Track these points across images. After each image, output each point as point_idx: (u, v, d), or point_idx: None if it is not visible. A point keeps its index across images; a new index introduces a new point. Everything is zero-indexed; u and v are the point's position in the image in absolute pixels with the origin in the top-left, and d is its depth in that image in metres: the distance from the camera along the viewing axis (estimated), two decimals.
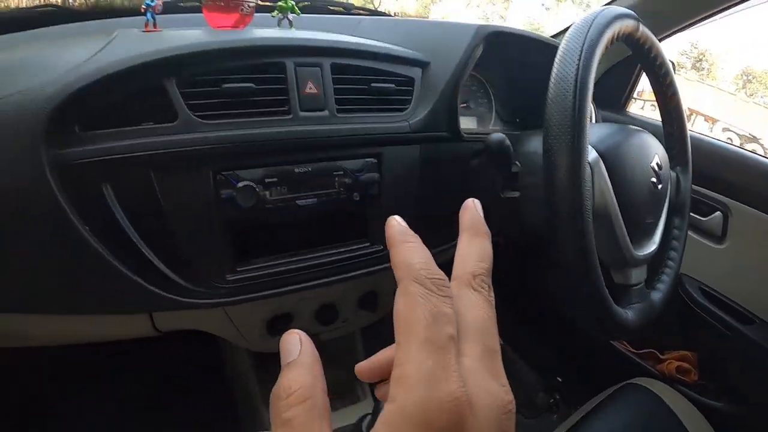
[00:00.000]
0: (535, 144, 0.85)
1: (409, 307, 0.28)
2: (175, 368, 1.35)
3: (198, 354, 1.27)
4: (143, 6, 0.84)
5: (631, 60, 1.35)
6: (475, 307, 0.30)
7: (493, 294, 0.32)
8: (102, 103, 0.64)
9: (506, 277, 1.56)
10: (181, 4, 0.99)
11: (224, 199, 0.68)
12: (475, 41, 0.87)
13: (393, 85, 0.82)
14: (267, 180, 0.71)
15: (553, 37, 1.33)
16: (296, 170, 0.73)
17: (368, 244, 0.83)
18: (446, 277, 0.30)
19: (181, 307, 0.71)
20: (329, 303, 0.93)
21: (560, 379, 1.48)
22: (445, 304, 0.28)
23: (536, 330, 1.56)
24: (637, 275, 0.83)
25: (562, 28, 1.36)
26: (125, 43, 0.70)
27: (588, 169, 0.69)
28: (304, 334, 0.30)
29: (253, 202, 0.69)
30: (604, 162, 0.77)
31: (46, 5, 1.01)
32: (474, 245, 0.34)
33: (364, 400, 1.15)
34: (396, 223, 0.34)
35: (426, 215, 0.85)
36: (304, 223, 0.77)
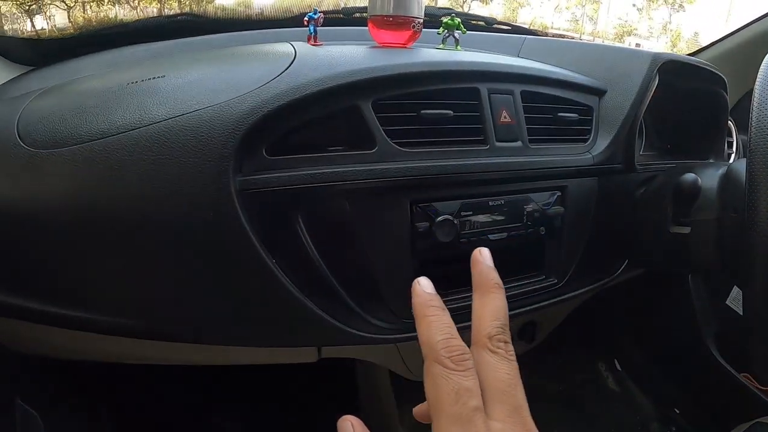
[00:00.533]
0: (708, 178, 0.75)
1: (435, 387, 0.31)
2: (309, 391, 1.29)
3: (332, 374, 1.23)
4: (306, 18, 0.79)
5: None
6: (495, 369, 0.33)
7: (511, 347, 0.35)
8: (292, 125, 0.57)
9: (636, 305, 1.52)
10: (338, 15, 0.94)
11: (420, 233, 0.61)
12: (652, 69, 0.79)
13: (576, 115, 0.74)
14: (463, 213, 0.63)
15: (692, 54, 1.26)
16: (490, 203, 0.66)
17: (543, 277, 0.75)
18: (466, 349, 0.32)
19: (363, 342, 0.64)
20: None
21: (678, 411, 1.40)
22: (466, 378, 0.31)
23: (655, 358, 1.47)
24: None
25: (701, 46, 1.29)
26: (312, 62, 0.62)
27: None
28: (357, 420, 0.35)
29: (451, 237, 0.61)
30: None
31: (181, 14, 0.96)
32: (487, 304, 0.37)
33: None
34: (421, 291, 0.37)
35: (594, 247, 0.78)
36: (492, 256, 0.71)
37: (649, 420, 1.40)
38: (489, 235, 0.66)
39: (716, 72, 0.92)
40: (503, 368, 0.33)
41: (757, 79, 0.63)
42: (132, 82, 0.63)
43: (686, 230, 0.78)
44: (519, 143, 0.68)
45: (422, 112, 0.62)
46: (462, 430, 0.30)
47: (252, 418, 1.17)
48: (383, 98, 0.61)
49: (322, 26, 0.81)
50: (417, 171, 0.60)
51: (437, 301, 0.36)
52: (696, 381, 1.34)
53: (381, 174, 0.59)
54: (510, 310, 0.71)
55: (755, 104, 0.61)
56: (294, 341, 0.66)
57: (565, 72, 0.76)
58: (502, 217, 0.67)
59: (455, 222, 0.62)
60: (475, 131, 0.66)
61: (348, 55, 0.66)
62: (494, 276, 0.39)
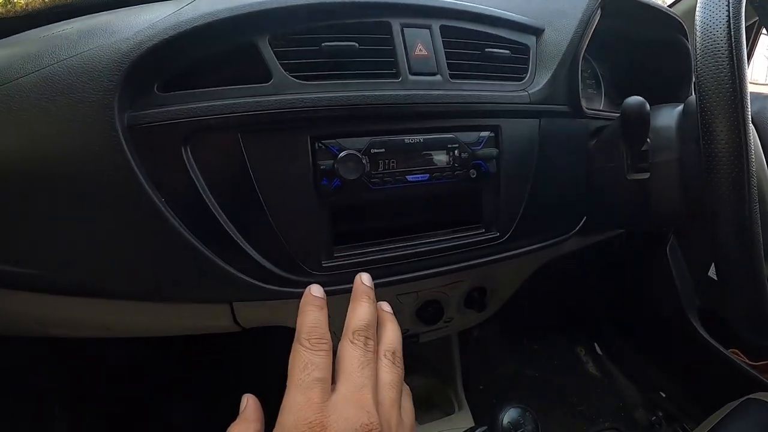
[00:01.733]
0: (665, 117, 0.69)
1: (291, 361, 0.39)
2: (254, 366, 1.22)
3: (280, 352, 1.14)
4: None
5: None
6: (350, 356, 0.40)
7: (371, 342, 0.42)
8: (185, 62, 0.52)
9: (614, 284, 1.41)
10: None
11: (323, 171, 0.54)
12: (593, 5, 0.71)
13: (508, 52, 0.67)
14: (373, 150, 0.56)
15: (670, 6, 1.16)
16: (406, 140, 0.58)
17: (483, 230, 0.66)
18: (326, 337, 0.40)
19: (268, 296, 0.56)
20: (432, 299, 0.76)
21: (663, 394, 1.28)
22: (316, 356, 0.38)
23: (637, 339, 1.36)
24: None
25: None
26: (210, 1, 0.56)
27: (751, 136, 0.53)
28: (252, 396, 0.42)
29: (357, 175, 0.54)
30: (755, 128, 0.62)
31: None
32: (356, 309, 0.46)
33: (460, 411, 0.98)
34: (312, 290, 0.45)
35: (542, 199, 0.69)
36: (410, 204, 0.62)
37: (633, 405, 1.29)
38: (408, 177, 0.58)
39: (672, 15, 0.84)
40: (357, 354, 0.40)
41: (698, 4, 0.55)
42: (43, 36, 0.59)
43: (646, 175, 0.69)
44: (438, 77, 0.61)
45: (324, 44, 0.56)
46: (302, 396, 0.36)
47: (204, 407, 1.08)
48: (282, 33, 0.55)
49: None
50: (315, 102, 0.54)
51: (321, 301, 0.44)
52: (681, 361, 1.25)
53: (274, 105, 0.53)
54: (448, 264, 0.63)
55: (698, 30, 0.54)
56: (193, 294, 0.58)
57: (494, 9, 0.68)
58: (423, 157, 0.59)
59: (363, 159, 0.54)
60: (385, 65, 0.59)
61: None
62: (366, 289, 0.48)
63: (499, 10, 0.68)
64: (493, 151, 0.63)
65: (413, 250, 0.62)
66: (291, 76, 0.54)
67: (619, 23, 0.80)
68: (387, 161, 0.57)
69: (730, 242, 0.54)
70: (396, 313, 0.73)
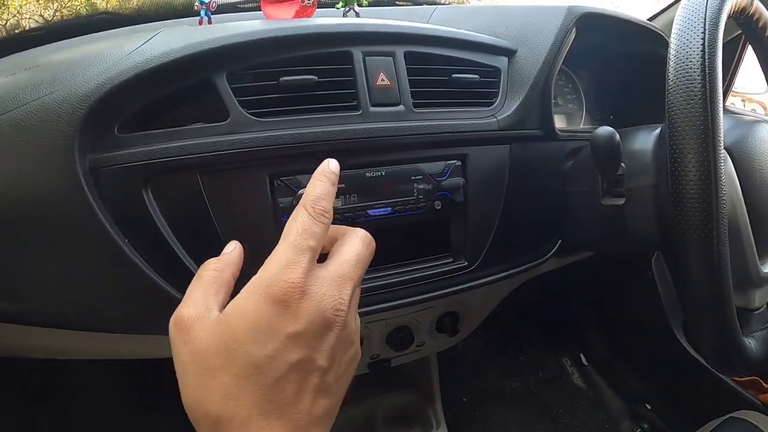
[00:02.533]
0: (642, 141, 0.68)
1: (290, 222, 0.39)
2: None
3: None
4: (197, 4, 0.73)
5: (727, 48, 1.13)
6: (353, 244, 0.41)
7: (373, 243, 0.44)
8: (144, 102, 0.53)
9: (600, 295, 1.42)
10: (239, 4, 0.88)
11: (282, 208, 0.55)
12: (567, 23, 0.71)
13: (477, 77, 0.67)
14: None
15: (649, 20, 1.14)
16: (367, 175, 0.58)
17: (451, 260, 0.67)
18: (329, 213, 0.40)
19: None
20: (403, 326, 0.77)
21: (649, 407, 1.28)
22: (315, 225, 0.39)
23: (623, 351, 1.37)
24: (761, 297, 0.67)
25: (659, 10, 1.17)
26: (170, 37, 0.57)
27: (723, 168, 0.52)
28: (239, 244, 0.46)
29: None
30: (732, 160, 0.62)
31: (100, 12, 0.93)
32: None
33: (439, 428, 0.99)
34: (328, 163, 0.45)
35: (513, 225, 0.69)
36: (377, 236, 0.62)
37: (619, 417, 1.29)
38: (369, 211, 0.58)
39: (652, 29, 0.83)
40: (358, 248, 0.41)
41: (673, 31, 0.55)
42: (10, 74, 0.60)
43: (620, 201, 0.69)
44: (400, 107, 0.61)
45: (281, 79, 0.57)
46: (290, 254, 0.37)
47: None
48: (239, 69, 0.56)
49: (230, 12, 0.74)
50: (272, 140, 0.54)
51: (334, 176, 0.44)
52: (666, 374, 1.24)
53: (231, 145, 0.53)
54: (417, 294, 0.64)
55: (671, 60, 0.54)
56: (159, 328, 0.58)
57: (462, 32, 0.67)
58: (385, 191, 0.60)
59: None
60: (346, 97, 0.60)
61: (208, 30, 0.62)
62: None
63: (469, 32, 0.68)
64: (460, 180, 0.63)
65: (379, 282, 0.62)
66: (248, 113, 0.54)
67: (598, 39, 0.80)
68: (348, 196, 0.58)
69: (696, 277, 0.54)
70: (365, 338, 0.74)
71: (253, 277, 0.37)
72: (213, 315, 0.38)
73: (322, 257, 0.41)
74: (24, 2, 1.08)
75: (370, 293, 0.62)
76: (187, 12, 0.91)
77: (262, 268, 0.37)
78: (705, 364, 1.09)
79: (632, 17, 0.82)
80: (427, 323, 0.80)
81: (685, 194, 0.52)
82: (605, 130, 0.63)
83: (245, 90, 0.55)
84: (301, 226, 0.38)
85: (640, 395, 1.32)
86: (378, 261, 0.63)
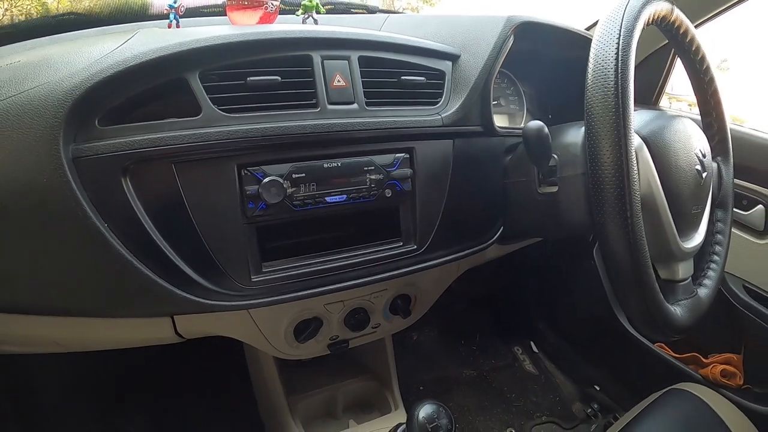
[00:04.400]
0: (572, 135, 0.79)
1: None
2: (198, 376, 1.30)
3: (222, 361, 1.22)
4: (166, 8, 0.81)
5: (661, 54, 1.27)
6: None
7: None
8: (122, 98, 0.60)
9: (547, 285, 1.53)
10: (204, 9, 0.95)
11: (249, 195, 0.63)
12: (506, 31, 0.82)
13: (423, 79, 0.77)
14: (294, 176, 0.65)
15: (587, 28, 1.27)
16: (325, 165, 0.68)
17: (401, 243, 0.76)
18: None
19: (203, 309, 0.65)
20: (359, 307, 0.87)
21: (597, 388, 1.40)
22: None
23: (571, 338, 1.48)
24: (684, 270, 0.77)
25: (594, 21, 1.29)
26: (147, 39, 0.65)
27: (634, 155, 0.63)
28: None
29: (279, 199, 0.64)
30: (648, 148, 0.71)
31: (69, 13, 0.99)
32: None
33: (396, 410, 1.08)
34: None
35: (457, 213, 0.79)
36: (334, 221, 0.72)
37: (570, 399, 1.40)
38: (326, 198, 0.67)
39: (586, 35, 0.94)
40: None
41: (593, 41, 0.65)
42: None
43: (554, 189, 0.79)
44: (354, 105, 0.71)
45: (249, 79, 0.65)
46: None
47: (155, 417, 1.15)
48: (210, 69, 0.64)
49: (196, 17, 0.82)
50: (240, 134, 0.63)
51: None
52: (612, 357, 1.36)
53: (203, 137, 0.61)
54: (371, 275, 0.73)
55: (591, 63, 0.64)
56: (136, 309, 0.68)
57: (411, 38, 0.77)
58: (340, 180, 0.69)
59: (283, 183, 0.63)
60: (306, 96, 0.69)
61: (183, 33, 0.69)
62: None
63: (417, 39, 0.78)
64: (407, 171, 0.73)
65: (337, 264, 0.71)
66: (219, 109, 0.63)
67: (537, 45, 0.90)
68: (307, 185, 0.67)
69: (616, 253, 0.64)
70: (324, 320, 0.83)
71: None
72: None
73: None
74: None
75: (328, 274, 0.71)
76: (144, 15, 0.99)
77: None
78: (647, 342, 1.21)
79: (567, 26, 0.93)
80: (381, 305, 0.89)
81: (602, 176, 0.62)
82: (535, 123, 0.73)
83: (216, 88, 0.63)
84: None
85: (590, 378, 1.43)
86: (335, 244, 0.72)
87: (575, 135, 0.78)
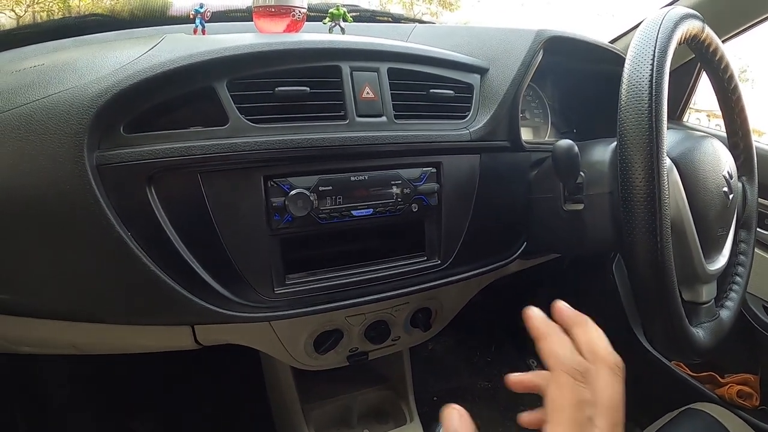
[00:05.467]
0: (599, 153, 0.76)
1: (560, 394, 0.37)
2: (214, 382, 1.28)
3: (238, 368, 1.20)
4: (192, 12, 0.79)
5: (686, 69, 1.25)
6: (609, 385, 0.38)
7: (622, 368, 0.40)
8: (148, 105, 0.58)
9: (562, 297, 1.48)
10: (230, 13, 0.94)
11: (275, 207, 0.61)
12: (535, 46, 0.79)
13: (452, 92, 0.74)
14: (321, 188, 0.63)
15: (611, 42, 1.24)
16: (352, 178, 0.65)
17: (425, 258, 0.74)
18: (589, 366, 0.38)
19: (226, 320, 0.63)
20: (380, 320, 0.84)
21: None
22: (587, 391, 0.37)
23: None
24: (708, 292, 0.76)
25: (619, 33, 1.27)
26: (174, 45, 0.63)
27: (666, 178, 0.61)
28: (463, 410, 0.41)
29: (305, 212, 0.61)
30: (678, 170, 0.69)
31: (92, 14, 0.97)
32: (590, 332, 0.42)
33: (411, 422, 1.06)
34: (535, 314, 0.45)
35: (482, 228, 0.77)
36: (357, 234, 0.69)
37: None
38: (352, 212, 0.65)
39: (613, 50, 0.91)
40: (616, 387, 0.39)
41: (627, 61, 0.64)
42: (15, 71, 0.64)
43: (580, 207, 0.77)
44: (383, 118, 0.68)
45: (277, 89, 0.62)
46: None
47: (169, 421, 1.14)
48: (238, 78, 0.61)
49: (222, 22, 0.80)
50: (268, 145, 0.60)
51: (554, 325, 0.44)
52: (627, 373, 1.30)
53: (230, 148, 0.59)
54: (394, 289, 0.71)
55: (624, 84, 0.62)
56: (158, 319, 0.66)
57: (441, 51, 0.75)
58: (367, 193, 0.67)
59: (310, 196, 0.61)
60: (334, 107, 0.66)
61: (211, 40, 0.67)
62: (574, 313, 0.45)
63: (446, 51, 0.76)
64: (434, 186, 0.70)
65: (360, 278, 0.68)
66: (246, 119, 0.60)
67: (565, 59, 0.88)
68: (334, 198, 0.64)
69: (644, 276, 0.62)
70: (345, 332, 0.81)
71: None
72: None
73: None
74: None
75: (351, 287, 0.68)
76: (165, 16, 0.98)
77: None
78: (664, 360, 1.18)
79: (596, 40, 0.90)
80: (402, 318, 0.86)
81: (633, 198, 0.60)
82: (565, 142, 0.71)
83: (243, 98, 0.60)
84: (575, 397, 0.37)
85: None
86: (358, 257, 0.70)
87: (603, 153, 0.75)
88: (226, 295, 0.62)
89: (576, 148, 0.71)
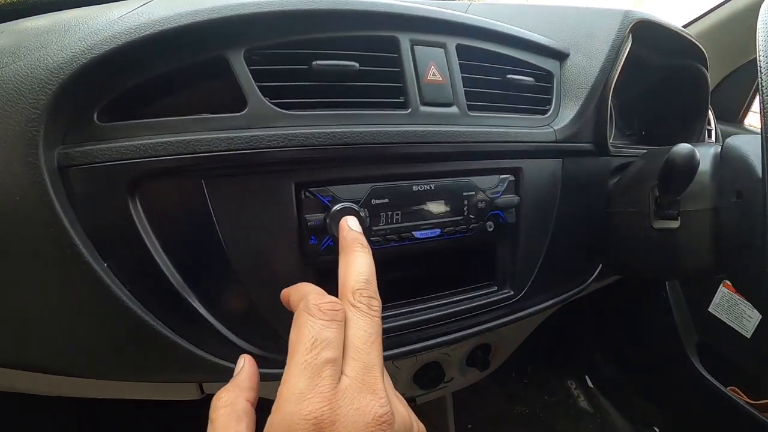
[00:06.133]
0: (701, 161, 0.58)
1: (295, 333, 0.30)
2: None
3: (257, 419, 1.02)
4: None
5: (750, 68, 1.05)
6: (355, 325, 0.31)
7: (376, 303, 0.33)
8: (133, 82, 0.38)
9: (606, 316, 1.33)
10: None
11: (311, 228, 0.41)
12: (623, 29, 0.60)
13: (532, 80, 0.54)
14: (374, 201, 0.43)
15: (684, 27, 1.05)
16: (415, 189, 0.45)
17: (495, 288, 0.54)
18: (338, 305, 0.31)
19: None
20: (433, 361, 0.64)
21: (657, 430, 1.19)
22: (328, 329, 0.30)
23: (631, 373, 1.29)
24: None
25: (693, 18, 1.08)
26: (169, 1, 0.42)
27: None
28: (249, 357, 0.35)
29: None
30: None
31: None
32: (351, 262, 0.34)
33: None
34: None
35: (561, 250, 0.57)
36: (417, 262, 0.49)
37: None
38: (414, 233, 0.44)
39: (696, 43, 0.72)
40: (362, 324, 0.31)
41: (758, 28, 0.45)
42: None
43: (674, 224, 0.58)
44: (454, 109, 0.48)
45: (315, 63, 0.42)
46: (306, 379, 0.28)
47: None
48: (261, 46, 0.41)
49: None
50: (302, 140, 0.40)
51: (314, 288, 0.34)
52: (676, 396, 1.17)
53: (248, 143, 0.39)
54: (455, 332, 0.51)
55: (762, 55, 0.44)
56: (153, 376, 0.45)
57: (517, 29, 0.55)
58: (434, 209, 0.47)
59: (361, 212, 0.40)
60: (391, 92, 0.46)
61: None
62: (357, 236, 0.36)
63: (521, 30, 0.56)
64: (514, 198, 0.50)
65: (418, 318, 0.48)
66: (271, 103, 0.40)
67: (641, 49, 0.69)
68: (391, 214, 0.44)
69: None
70: (392, 379, 0.61)
71: (269, 420, 0.27)
72: None
73: None
74: None
75: (407, 331, 0.48)
76: None
77: (275, 405, 0.27)
78: (720, 386, 1.02)
79: (682, 30, 0.71)
80: (459, 357, 0.68)
81: None
82: (685, 147, 0.52)
83: (268, 74, 0.41)
84: (309, 337, 0.29)
85: (648, 418, 1.23)
86: (415, 291, 0.50)
87: (703, 162, 0.57)
88: (242, 345, 0.43)
89: (698, 156, 0.52)
